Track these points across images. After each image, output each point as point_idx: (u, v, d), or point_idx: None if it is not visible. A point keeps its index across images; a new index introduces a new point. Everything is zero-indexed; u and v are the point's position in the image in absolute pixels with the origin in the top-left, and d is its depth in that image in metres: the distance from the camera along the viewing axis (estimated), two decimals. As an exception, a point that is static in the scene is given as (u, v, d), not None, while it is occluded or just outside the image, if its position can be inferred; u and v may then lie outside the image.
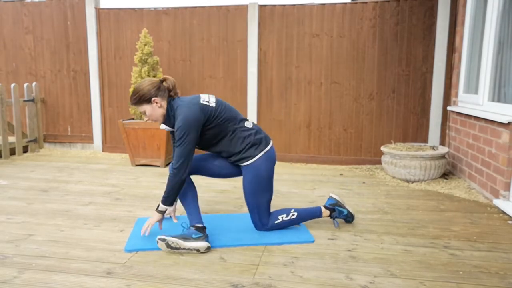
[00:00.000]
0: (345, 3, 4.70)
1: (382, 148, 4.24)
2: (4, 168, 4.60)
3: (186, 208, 2.56)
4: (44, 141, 5.78)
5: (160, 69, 4.83)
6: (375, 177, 4.28)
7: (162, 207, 2.50)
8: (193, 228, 2.43)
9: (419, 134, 4.74)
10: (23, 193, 3.62)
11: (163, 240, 2.34)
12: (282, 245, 2.50)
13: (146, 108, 2.48)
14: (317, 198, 3.53)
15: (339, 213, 2.79)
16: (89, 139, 5.63)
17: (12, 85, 5.09)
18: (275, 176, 4.31)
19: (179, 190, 2.45)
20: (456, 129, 4.29)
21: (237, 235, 2.62)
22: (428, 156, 3.94)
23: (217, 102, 2.55)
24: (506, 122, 3.09)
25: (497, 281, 2.05)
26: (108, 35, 5.34)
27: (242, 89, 5.07)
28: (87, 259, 2.30)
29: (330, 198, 2.84)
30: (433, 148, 4.22)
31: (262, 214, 2.62)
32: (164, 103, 2.49)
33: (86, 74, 5.50)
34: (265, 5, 4.88)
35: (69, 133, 5.69)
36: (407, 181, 4.06)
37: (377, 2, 4.62)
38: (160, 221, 2.57)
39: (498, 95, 3.51)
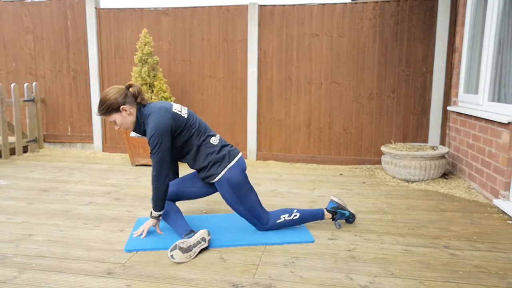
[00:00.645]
0: (345, 3, 4.70)
1: (382, 148, 4.24)
2: (4, 168, 4.60)
3: (172, 225, 2.55)
4: (44, 141, 5.78)
5: (160, 69, 4.83)
6: (375, 177, 4.28)
7: (155, 213, 2.53)
8: (185, 236, 2.42)
9: (419, 134, 4.74)
10: (23, 193, 3.62)
11: (174, 248, 2.27)
12: (282, 245, 2.50)
13: (115, 117, 2.46)
14: (317, 198, 3.53)
15: (341, 215, 2.79)
16: (89, 139, 5.63)
17: (12, 85, 5.09)
18: (275, 176, 4.31)
19: (165, 194, 2.47)
20: (456, 129, 4.29)
21: (237, 235, 2.62)
22: (428, 156, 3.94)
23: (189, 113, 2.56)
24: (506, 122, 3.09)
25: (497, 281, 2.05)
26: (108, 35, 5.34)
27: (242, 89, 5.07)
28: (87, 259, 2.30)
29: (331, 201, 2.84)
30: (433, 148, 4.22)
31: (257, 215, 2.60)
32: (134, 110, 2.48)
33: (86, 74, 5.50)
34: (265, 5, 4.88)
35: (69, 133, 5.69)
36: (407, 181, 4.06)
37: (377, 2, 4.62)
38: (157, 225, 2.60)
39: (498, 95, 3.51)
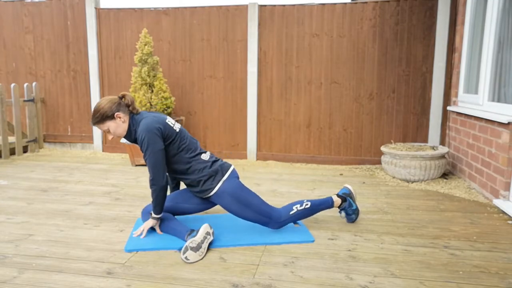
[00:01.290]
0: (345, 3, 4.70)
1: (382, 148, 4.24)
2: (4, 168, 4.60)
3: (170, 232, 2.57)
4: (44, 141, 5.78)
5: (160, 69, 4.83)
6: (375, 177, 4.28)
7: (155, 216, 2.54)
8: (188, 237, 2.43)
9: (419, 134, 4.74)
10: (23, 193, 3.62)
11: (185, 250, 2.27)
12: (282, 245, 2.50)
13: (109, 125, 2.49)
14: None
15: (349, 205, 2.80)
16: (89, 139, 5.63)
17: (12, 85, 5.09)
18: (275, 176, 4.31)
19: (164, 197, 2.48)
20: (456, 129, 4.29)
21: (237, 235, 2.61)
22: (428, 156, 3.94)
23: (181, 129, 2.59)
24: (506, 122, 3.09)
25: (497, 281, 2.05)
26: (108, 35, 5.34)
27: (242, 89, 5.07)
28: (87, 259, 2.30)
29: (345, 187, 2.86)
30: (433, 148, 4.22)
31: (266, 213, 2.58)
32: (127, 118, 2.52)
33: (86, 74, 5.50)
34: (265, 5, 4.88)
35: (69, 133, 5.69)
36: (407, 181, 4.05)
37: (377, 2, 4.62)
38: (156, 225, 2.61)
39: (498, 95, 3.51)
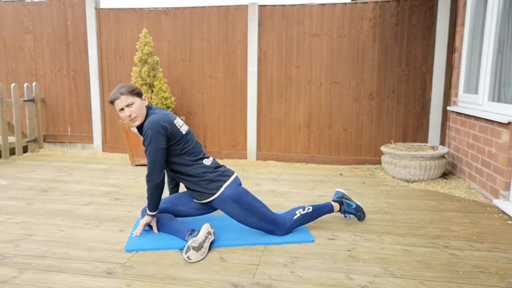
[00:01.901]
0: (345, 3, 4.70)
1: (382, 148, 4.24)
2: (4, 168, 4.60)
3: (171, 233, 2.57)
4: (44, 141, 5.78)
5: (160, 69, 4.83)
6: (375, 177, 4.28)
7: (150, 213, 2.54)
8: (189, 237, 2.43)
9: (419, 134, 4.74)
10: (23, 193, 3.62)
11: (188, 249, 2.28)
12: (282, 245, 2.50)
13: (136, 100, 2.50)
14: (317, 198, 3.53)
15: (348, 206, 2.81)
16: (89, 139, 5.63)
17: (12, 85, 5.09)
18: (275, 176, 4.31)
19: (159, 194, 2.47)
20: (456, 129, 4.29)
21: (237, 235, 2.61)
22: (428, 156, 3.94)
23: (188, 132, 2.59)
24: (506, 122, 3.09)
25: (497, 281, 2.05)
26: (108, 35, 5.34)
27: (242, 89, 5.07)
28: (87, 259, 2.30)
29: (337, 192, 2.89)
30: (433, 148, 4.22)
31: (271, 220, 2.56)
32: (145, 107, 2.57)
33: (86, 74, 5.50)
34: (265, 5, 4.88)
35: (69, 133, 5.69)
36: (407, 181, 4.06)
37: (377, 2, 4.62)
38: (152, 223, 2.61)
39: (498, 95, 3.51)
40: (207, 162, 2.59)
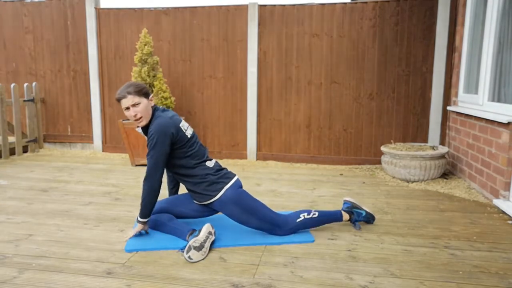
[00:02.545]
0: (345, 3, 4.70)
1: (382, 148, 4.24)
2: (4, 168, 4.60)
3: (171, 233, 2.57)
4: (44, 141, 5.78)
5: (160, 69, 4.83)
6: (375, 177, 4.28)
7: (141, 220, 2.50)
8: (190, 236, 2.43)
9: (419, 134, 4.74)
10: (23, 193, 3.62)
11: (189, 249, 2.28)
12: (282, 245, 2.50)
13: (142, 101, 2.48)
14: (317, 198, 3.53)
15: (358, 215, 2.77)
16: (89, 139, 5.63)
17: (12, 85, 5.09)
18: (275, 176, 4.31)
19: (154, 198, 2.45)
20: (456, 129, 4.29)
21: (237, 235, 2.62)
22: (428, 156, 3.94)
23: (192, 135, 2.58)
24: (506, 122, 3.09)
25: (497, 281, 2.05)
26: (108, 35, 5.34)
27: (242, 89, 5.07)
28: (87, 259, 2.30)
29: (345, 202, 2.82)
30: (433, 148, 4.22)
31: (272, 220, 2.56)
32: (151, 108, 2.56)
33: (86, 74, 5.50)
34: (265, 5, 4.88)
35: (69, 133, 5.69)
36: (407, 181, 4.06)
37: (377, 2, 4.62)
38: (145, 229, 2.60)
39: (498, 95, 3.51)
40: (209, 164, 2.59)
